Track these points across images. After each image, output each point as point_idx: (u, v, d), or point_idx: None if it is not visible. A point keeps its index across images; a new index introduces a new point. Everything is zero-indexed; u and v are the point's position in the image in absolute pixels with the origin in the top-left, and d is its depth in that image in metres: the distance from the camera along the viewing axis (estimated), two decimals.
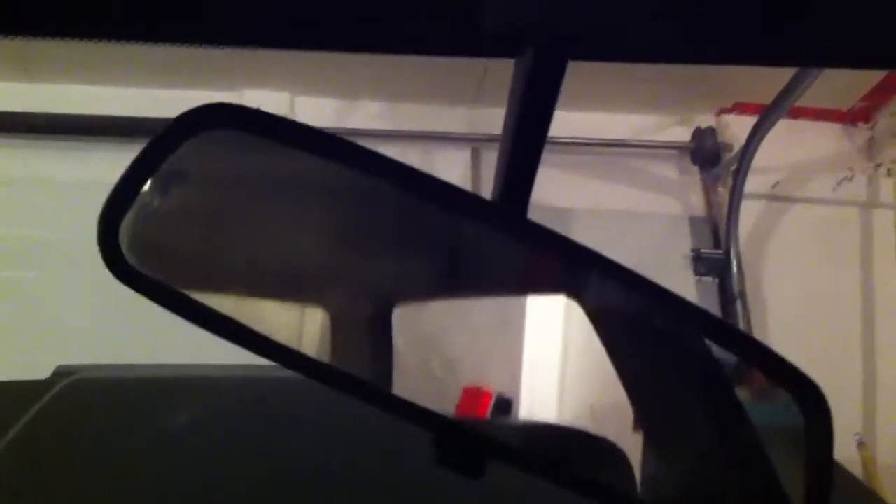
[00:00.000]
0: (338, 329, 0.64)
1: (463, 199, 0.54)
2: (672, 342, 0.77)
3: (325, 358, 0.59)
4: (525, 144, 0.55)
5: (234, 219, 0.61)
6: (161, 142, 0.51)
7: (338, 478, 1.24)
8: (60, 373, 1.63)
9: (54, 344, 2.63)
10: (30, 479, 1.26)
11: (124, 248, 0.51)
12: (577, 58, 0.53)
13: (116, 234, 0.51)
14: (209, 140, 0.54)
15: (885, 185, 3.13)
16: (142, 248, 0.52)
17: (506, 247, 0.65)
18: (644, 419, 0.81)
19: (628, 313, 0.76)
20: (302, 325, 0.60)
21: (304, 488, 1.21)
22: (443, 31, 0.52)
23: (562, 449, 0.74)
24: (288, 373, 1.61)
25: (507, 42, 0.52)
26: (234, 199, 0.61)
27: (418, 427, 0.53)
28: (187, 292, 0.52)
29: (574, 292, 0.77)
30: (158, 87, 2.87)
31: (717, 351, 0.74)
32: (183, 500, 1.21)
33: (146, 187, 0.52)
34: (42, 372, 1.64)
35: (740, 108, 3.20)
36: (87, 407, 1.51)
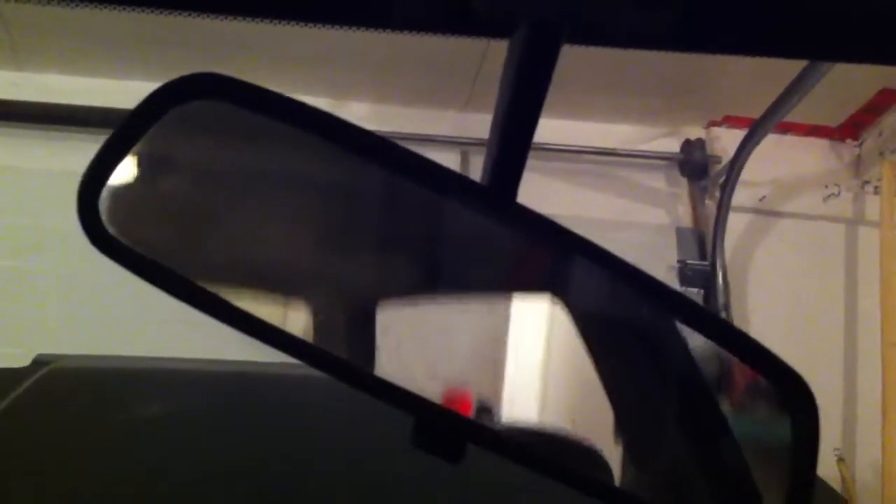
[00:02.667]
0: (319, 328, 0.63)
1: (450, 178, 0.54)
2: (657, 349, 0.77)
3: None
4: (516, 127, 0.54)
5: (212, 205, 0.60)
6: (146, 108, 0.50)
7: (312, 470, 1.24)
8: (40, 361, 1.62)
9: (35, 333, 2.61)
10: (5, 467, 1.25)
11: (105, 218, 0.50)
12: (572, 41, 0.53)
13: (96, 201, 0.50)
14: (194, 112, 0.53)
15: (871, 202, 3.14)
16: (121, 219, 0.51)
17: (492, 235, 0.65)
18: (625, 427, 0.81)
19: (614, 312, 0.76)
20: (284, 323, 0.58)
21: (277, 479, 1.20)
22: (436, 7, 0.51)
23: (542, 443, 0.74)
24: (265, 368, 1.61)
25: (501, 20, 0.51)
26: (213, 183, 0.60)
27: (399, 409, 0.52)
28: (167, 265, 0.51)
29: (560, 288, 0.76)
30: (153, 81, 2.84)
31: (700, 361, 0.74)
32: (157, 490, 1.20)
33: (129, 157, 0.52)
34: (22, 361, 1.63)
35: (730, 121, 3.22)
36: (65, 396, 1.51)
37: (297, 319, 0.59)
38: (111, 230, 0.50)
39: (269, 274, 0.60)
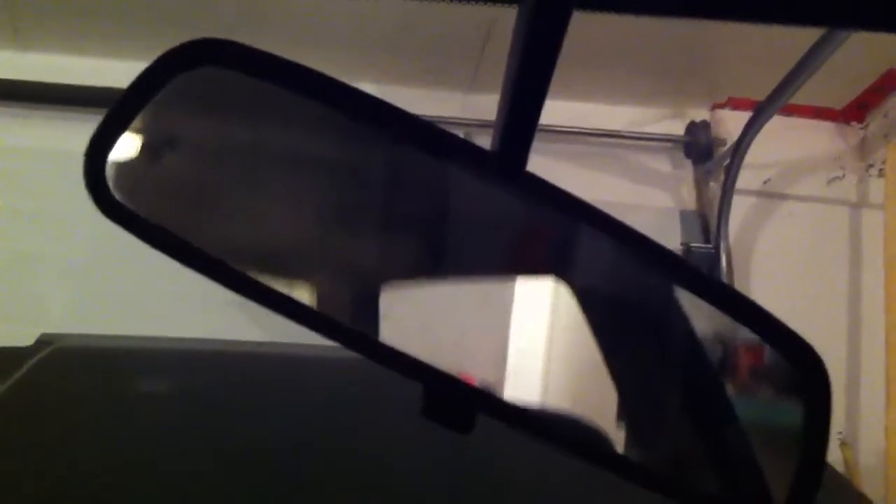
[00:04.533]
0: (324, 298, 0.63)
1: (459, 145, 0.53)
2: (662, 330, 0.77)
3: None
4: (526, 94, 0.53)
5: (218, 174, 0.60)
6: (152, 73, 0.50)
7: (316, 451, 1.24)
8: (43, 341, 1.62)
9: (39, 312, 2.62)
10: (8, 446, 1.25)
11: (111, 184, 0.50)
12: (582, 6, 0.52)
13: (102, 167, 0.50)
14: (200, 79, 0.52)
15: (876, 185, 3.13)
16: (128, 186, 0.51)
17: (497, 205, 0.64)
18: (628, 409, 0.81)
19: (620, 290, 0.75)
20: (291, 292, 0.58)
21: (282, 460, 1.20)
22: None
23: (549, 417, 0.73)
24: (271, 349, 1.60)
25: None
26: (219, 152, 0.60)
27: (408, 378, 0.52)
28: (174, 231, 0.51)
29: (565, 263, 0.75)
30: None
31: (707, 344, 0.73)
32: (162, 469, 1.20)
33: (135, 123, 0.51)
34: (25, 340, 1.63)
35: (735, 103, 3.20)
36: (69, 375, 1.51)
37: (302, 289, 0.59)
38: (118, 196, 0.50)
39: (274, 242, 0.60)
